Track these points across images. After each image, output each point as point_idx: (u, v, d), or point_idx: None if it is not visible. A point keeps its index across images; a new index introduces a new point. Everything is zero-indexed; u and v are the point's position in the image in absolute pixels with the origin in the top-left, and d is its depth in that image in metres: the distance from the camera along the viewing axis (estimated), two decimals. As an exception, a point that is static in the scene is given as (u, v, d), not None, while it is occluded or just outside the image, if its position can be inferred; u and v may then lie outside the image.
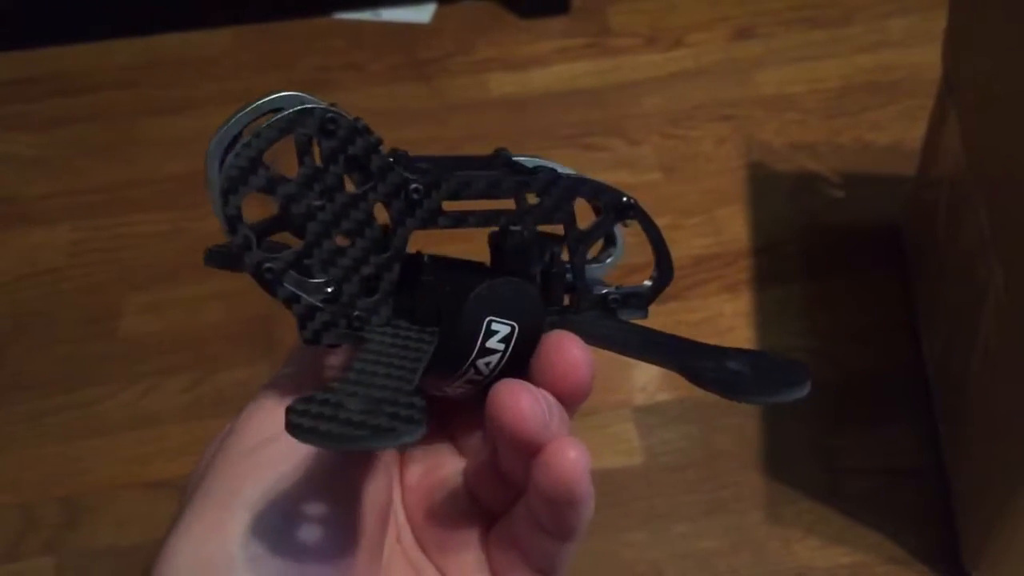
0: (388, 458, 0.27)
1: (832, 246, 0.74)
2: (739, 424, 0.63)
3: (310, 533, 0.23)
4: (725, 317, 0.69)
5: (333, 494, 0.24)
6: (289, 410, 0.20)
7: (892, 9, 0.93)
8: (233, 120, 0.25)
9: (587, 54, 0.91)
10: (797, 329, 0.69)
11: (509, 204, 0.26)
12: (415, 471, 0.28)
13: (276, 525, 0.23)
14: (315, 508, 0.23)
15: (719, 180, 0.79)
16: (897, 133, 0.82)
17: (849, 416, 0.63)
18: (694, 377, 0.24)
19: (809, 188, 0.78)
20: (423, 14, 0.96)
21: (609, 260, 0.29)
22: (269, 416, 0.25)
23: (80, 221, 0.79)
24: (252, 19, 0.96)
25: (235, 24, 0.96)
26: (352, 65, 0.91)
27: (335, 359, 0.27)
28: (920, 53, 0.87)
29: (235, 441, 0.24)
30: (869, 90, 0.86)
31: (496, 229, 0.27)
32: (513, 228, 0.26)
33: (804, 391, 0.24)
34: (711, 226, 0.76)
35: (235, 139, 0.25)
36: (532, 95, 0.88)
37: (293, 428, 0.20)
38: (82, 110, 0.89)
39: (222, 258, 0.26)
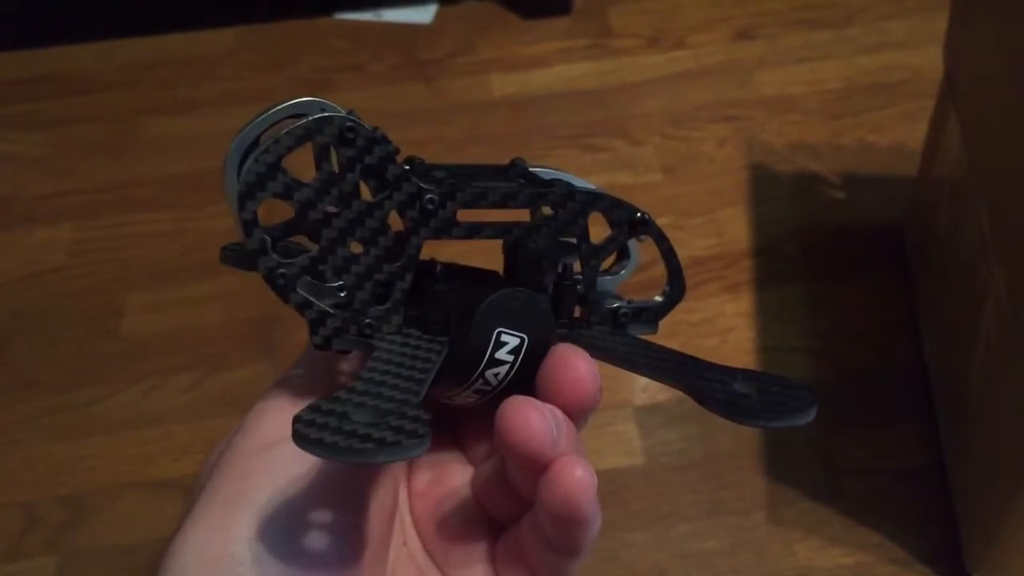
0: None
1: (833, 247, 0.74)
2: (740, 425, 0.63)
3: (316, 536, 0.23)
4: (726, 317, 0.70)
5: (340, 497, 0.24)
6: (295, 419, 0.20)
7: (893, 10, 0.93)
8: (252, 124, 0.25)
9: (589, 55, 0.91)
10: (798, 330, 0.69)
11: (522, 215, 0.26)
12: (423, 477, 0.28)
13: (282, 527, 0.23)
14: (321, 511, 0.23)
15: (720, 181, 0.79)
16: (898, 134, 0.82)
17: (850, 416, 0.64)
18: (700, 398, 0.24)
19: (810, 189, 0.78)
20: (425, 14, 0.96)
21: (622, 273, 0.29)
22: (277, 417, 0.25)
23: (82, 221, 0.79)
24: (254, 19, 0.96)
25: (237, 24, 0.96)
26: (354, 66, 0.92)
27: (346, 363, 0.27)
28: (921, 54, 0.87)
29: (242, 440, 0.24)
30: (870, 91, 0.86)
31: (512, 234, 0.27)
32: (527, 240, 0.26)
33: (809, 417, 0.24)
34: (712, 227, 0.76)
35: (254, 143, 0.25)
36: (534, 96, 0.88)
37: (298, 438, 0.20)
38: (84, 110, 0.89)
39: (237, 257, 0.26)
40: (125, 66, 0.93)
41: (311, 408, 0.21)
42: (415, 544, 0.27)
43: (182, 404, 0.67)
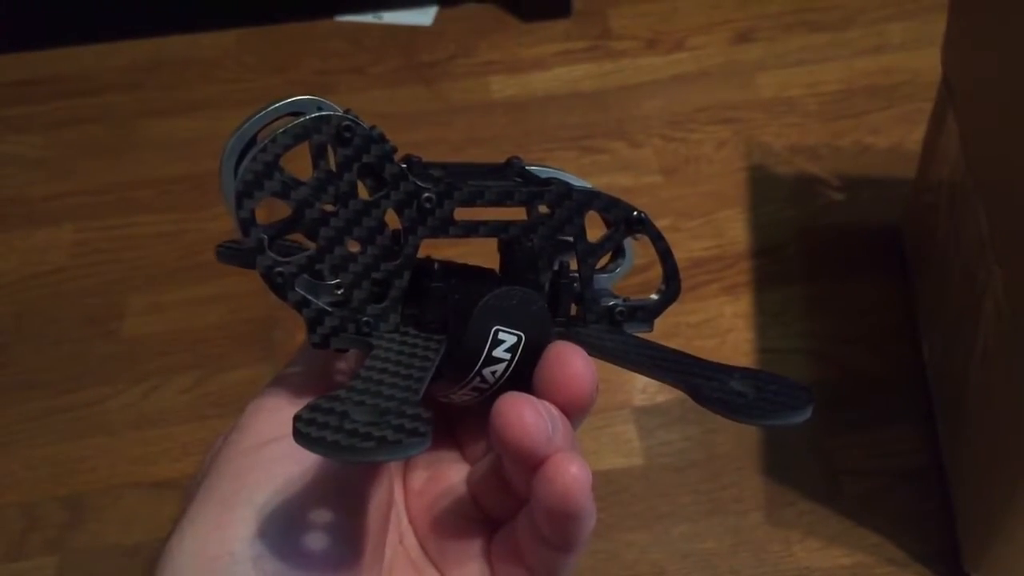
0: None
1: (832, 248, 0.74)
2: (739, 425, 0.63)
3: (313, 534, 0.23)
4: (725, 319, 0.70)
5: (337, 495, 0.24)
6: (296, 418, 0.20)
7: (892, 13, 0.93)
8: (249, 123, 0.25)
9: (588, 57, 0.91)
10: (797, 331, 0.69)
11: (519, 213, 0.26)
12: (419, 476, 0.28)
13: (279, 525, 0.23)
14: (318, 509, 0.23)
15: (719, 183, 0.79)
16: (897, 136, 0.82)
17: (849, 417, 0.64)
18: (697, 396, 0.24)
19: (809, 191, 0.78)
20: (425, 17, 0.97)
21: (618, 271, 0.29)
22: (274, 415, 0.25)
23: (83, 222, 0.79)
24: (255, 21, 0.96)
25: (237, 26, 0.96)
26: (354, 68, 0.92)
27: (342, 361, 0.27)
28: (920, 57, 0.87)
29: (239, 439, 0.24)
30: (869, 93, 0.86)
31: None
32: (523, 238, 0.26)
33: (806, 415, 0.24)
34: (711, 228, 0.76)
35: (251, 141, 0.25)
36: (534, 98, 0.88)
37: (300, 437, 0.20)
38: (86, 111, 0.89)
39: (233, 255, 0.26)
40: (126, 68, 0.93)
41: (311, 407, 0.21)
42: (411, 541, 0.28)
43: (183, 405, 0.67)
